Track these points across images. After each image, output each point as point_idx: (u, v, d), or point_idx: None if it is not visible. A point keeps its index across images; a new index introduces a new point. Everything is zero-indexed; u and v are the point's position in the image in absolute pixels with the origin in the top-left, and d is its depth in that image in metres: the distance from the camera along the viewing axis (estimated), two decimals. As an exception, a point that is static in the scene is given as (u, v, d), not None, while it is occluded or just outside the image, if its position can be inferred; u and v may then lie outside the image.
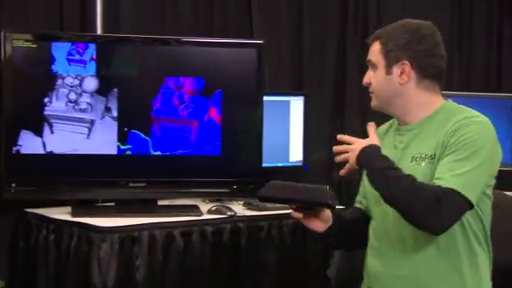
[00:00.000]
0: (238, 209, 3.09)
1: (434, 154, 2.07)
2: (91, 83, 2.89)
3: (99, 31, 3.21)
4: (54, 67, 2.85)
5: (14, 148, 2.82)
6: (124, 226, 2.71)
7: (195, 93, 2.99)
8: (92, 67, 2.89)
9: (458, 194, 1.98)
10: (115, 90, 2.91)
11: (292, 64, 3.91)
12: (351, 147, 2.12)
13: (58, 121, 2.86)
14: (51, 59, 2.85)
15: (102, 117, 2.90)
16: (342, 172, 2.15)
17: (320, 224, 2.16)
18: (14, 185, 2.83)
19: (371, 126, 2.18)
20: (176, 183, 3.03)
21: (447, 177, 2.00)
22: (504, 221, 2.32)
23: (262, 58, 3.08)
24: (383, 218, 2.15)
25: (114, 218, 2.79)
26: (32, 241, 2.85)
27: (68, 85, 2.86)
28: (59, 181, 2.91)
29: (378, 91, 2.18)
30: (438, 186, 1.99)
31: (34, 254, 2.83)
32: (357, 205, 2.34)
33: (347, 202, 2.72)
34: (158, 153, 2.96)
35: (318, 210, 2.13)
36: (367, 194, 2.24)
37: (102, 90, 2.89)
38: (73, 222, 2.76)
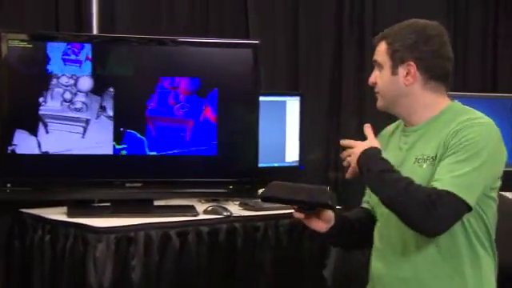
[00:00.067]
0: (234, 209, 3.09)
1: (435, 156, 2.06)
2: (86, 83, 2.88)
3: (95, 31, 3.21)
4: (50, 67, 2.85)
5: (9, 148, 2.81)
6: (120, 226, 2.71)
7: (191, 92, 2.99)
8: (87, 67, 2.89)
9: (454, 195, 1.96)
10: (110, 89, 2.90)
11: (288, 64, 3.91)
12: (353, 151, 2.12)
13: (52, 120, 2.85)
14: (46, 59, 2.85)
15: (97, 116, 2.89)
16: (347, 175, 2.15)
17: (322, 224, 2.16)
18: (9, 185, 2.83)
19: (368, 128, 2.17)
20: (172, 183, 3.02)
21: (445, 178, 1.98)
22: (501, 221, 2.30)
23: (258, 58, 3.07)
24: (386, 219, 2.15)
25: (109, 219, 2.78)
26: (27, 241, 2.85)
27: (63, 84, 2.86)
28: (55, 181, 2.91)
29: (383, 91, 2.17)
30: (434, 188, 1.98)
31: (30, 254, 2.83)
32: (364, 204, 2.33)
33: (344, 203, 2.72)
34: (154, 153, 2.96)
35: (320, 210, 2.13)
36: (372, 195, 2.23)
37: (97, 90, 2.89)
38: (68, 222, 2.76)
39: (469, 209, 2.00)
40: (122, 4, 3.36)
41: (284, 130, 3.51)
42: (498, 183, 2.13)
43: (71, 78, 2.86)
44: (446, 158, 2.02)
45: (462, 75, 4.46)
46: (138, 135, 2.94)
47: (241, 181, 3.05)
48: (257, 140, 3.07)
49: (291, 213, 3.00)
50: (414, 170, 2.07)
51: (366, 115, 4.08)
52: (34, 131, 2.83)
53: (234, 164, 3.05)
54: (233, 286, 2.93)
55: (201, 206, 3.06)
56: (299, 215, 2.13)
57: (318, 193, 2.07)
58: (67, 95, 2.86)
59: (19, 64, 2.83)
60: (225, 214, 2.97)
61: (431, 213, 1.95)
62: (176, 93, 2.97)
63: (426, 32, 2.12)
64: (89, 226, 2.69)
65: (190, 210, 2.99)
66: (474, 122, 2.06)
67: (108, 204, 2.97)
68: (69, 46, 2.86)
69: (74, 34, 3.06)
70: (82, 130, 2.88)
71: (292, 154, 3.54)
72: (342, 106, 4.05)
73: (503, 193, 2.34)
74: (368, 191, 2.30)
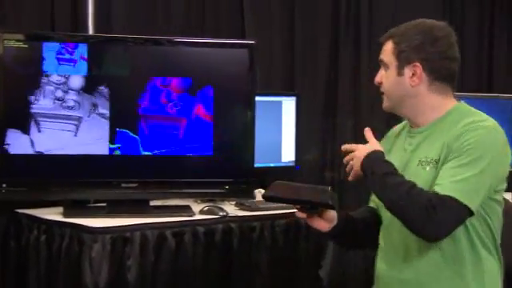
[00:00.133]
0: (230, 209, 3.09)
1: (439, 159, 2.04)
2: (78, 81, 2.88)
3: (91, 31, 3.21)
4: (45, 67, 2.85)
5: (2, 147, 2.80)
6: (116, 226, 2.71)
7: (182, 90, 2.98)
8: (81, 66, 2.88)
9: (456, 200, 1.95)
10: (101, 87, 2.90)
11: (284, 64, 3.91)
12: (355, 154, 2.11)
13: (45, 119, 2.85)
14: (42, 59, 2.84)
15: (89, 114, 2.89)
16: (350, 178, 2.14)
17: (324, 224, 2.15)
18: (4, 185, 2.82)
19: (368, 132, 2.16)
20: (168, 183, 3.02)
21: (446, 183, 1.97)
22: (508, 225, 2.28)
23: (253, 58, 3.07)
24: (389, 221, 2.14)
25: (105, 219, 2.78)
26: (23, 241, 2.84)
27: (55, 82, 2.85)
28: (50, 181, 2.90)
29: (389, 91, 2.16)
30: (436, 193, 1.97)
31: (25, 254, 2.82)
32: (371, 204, 2.31)
33: (339, 202, 2.71)
34: (150, 153, 2.95)
35: (322, 210, 2.13)
36: None
37: (89, 88, 2.89)
38: (64, 222, 2.75)
39: (471, 213, 1.99)
40: (118, 4, 3.36)
41: (280, 130, 3.51)
42: (503, 185, 2.11)
43: (63, 76, 2.86)
44: (449, 162, 2.01)
45: (457, 75, 4.45)
46: (131, 134, 2.93)
47: (237, 181, 3.05)
48: (253, 140, 3.06)
49: (287, 213, 3.03)
50: (417, 173, 2.07)
51: (362, 115, 4.09)
52: (26, 130, 2.83)
53: (230, 164, 3.05)
54: (229, 287, 2.93)
55: (197, 206, 3.05)
56: (302, 215, 2.13)
57: (319, 193, 2.08)
58: (59, 93, 2.86)
59: (14, 64, 2.83)
60: (221, 214, 2.97)
61: (432, 217, 1.94)
62: (168, 91, 2.97)
63: (432, 33, 2.11)
64: (84, 226, 2.68)
65: (186, 210, 2.99)
66: (478, 125, 2.04)
67: (104, 204, 2.96)
68: (62, 45, 2.86)
69: (69, 34, 3.05)
70: (74, 128, 2.88)
71: (288, 154, 3.54)
72: (337, 106, 4.06)
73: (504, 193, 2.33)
74: None
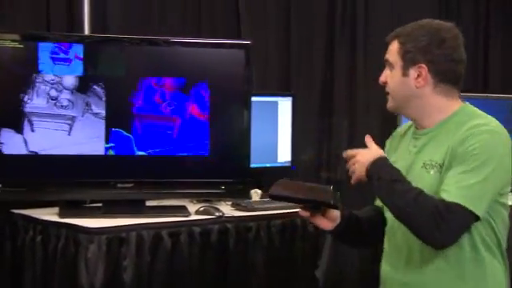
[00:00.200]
0: (226, 209, 3.08)
1: (443, 163, 2.03)
2: (72, 80, 2.88)
3: (86, 31, 3.20)
4: (40, 66, 2.84)
5: (-3, 147, 2.81)
6: (112, 226, 2.70)
7: (176, 89, 2.98)
8: (77, 66, 2.88)
9: (462, 207, 1.94)
10: (96, 87, 2.89)
11: (280, 64, 3.91)
12: (357, 159, 2.10)
13: (38, 118, 2.84)
14: (37, 59, 2.84)
15: (83, 113, 2.89)
16: (352, 181, 2.13)
17: (327, 223, 2.15)
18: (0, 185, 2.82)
19: (368, 138, 2.14)
20: (164, 184, 3.02)
21: (452, 189, 1.96)
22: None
23: (249, 58, 3.07)
24: (392, 223, 2.14)
25: (101, 219, 2.78)
26: (19, 242, 2.83)
27: (48, 82, 2.85)
28: (45, 181, 2.90)
29: (393, 92, 2.14)
30: (442, 200, 1.96)
31: (21, 254, 2.81)
32: (377, 202, 2.29)
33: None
34: (145, 153, 2.95)
35: (325, 208, 2.13)
36: None
37: (83, 88, 2.88)
38: (60, 222, 2.75)
39: (477, 219, 1.98)
40: (114, 4, 3.35)
41: (276, 130, 3.51)
42: (508, 188, 2.09)
43: (57, 75, 2.86)
44: (454, 168, 1.99)
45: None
46: (125, 133, 2.93)
47: (233, 181, 3.05)
48: (249, 140, 3.06)
49: (283, 213, 3.03)
50: (421, 175, 2.06)
51: (358, 116, 4.09)
52: (19, 129, 2.82)
53: (226, 164, 3.05)
54: (225, 287, 2.93)
55: (193, 207, 3.05)
56: (305, 213, 2.13)
57: (320, 192, 2.09)
58: (53, 93, 2.86)
59: (9, 64, 2.82)
60: (217, 214, 2.97)
61: (439, 224, 1.93)
62: (162, 91, 2.97)
63: (439, 34, 2.08)
64: (80, 226, 2.68)
65: (182, 210, 2.99)
66: (482, 129, 2.02)
67: (100, 204, 2.96)
68: (56, 45, 2.86)
69: (64, 35, 3.04)
70: (67, 127, 2.87)
71: (284, 154, 3.53)
72: (333, 106, 4.06)
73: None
74: None
